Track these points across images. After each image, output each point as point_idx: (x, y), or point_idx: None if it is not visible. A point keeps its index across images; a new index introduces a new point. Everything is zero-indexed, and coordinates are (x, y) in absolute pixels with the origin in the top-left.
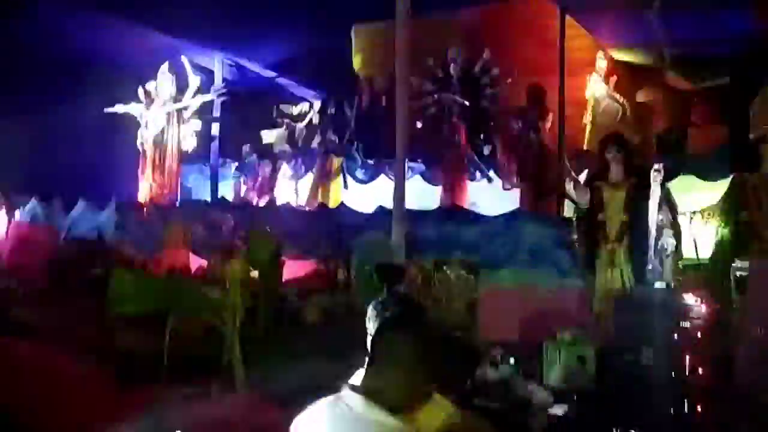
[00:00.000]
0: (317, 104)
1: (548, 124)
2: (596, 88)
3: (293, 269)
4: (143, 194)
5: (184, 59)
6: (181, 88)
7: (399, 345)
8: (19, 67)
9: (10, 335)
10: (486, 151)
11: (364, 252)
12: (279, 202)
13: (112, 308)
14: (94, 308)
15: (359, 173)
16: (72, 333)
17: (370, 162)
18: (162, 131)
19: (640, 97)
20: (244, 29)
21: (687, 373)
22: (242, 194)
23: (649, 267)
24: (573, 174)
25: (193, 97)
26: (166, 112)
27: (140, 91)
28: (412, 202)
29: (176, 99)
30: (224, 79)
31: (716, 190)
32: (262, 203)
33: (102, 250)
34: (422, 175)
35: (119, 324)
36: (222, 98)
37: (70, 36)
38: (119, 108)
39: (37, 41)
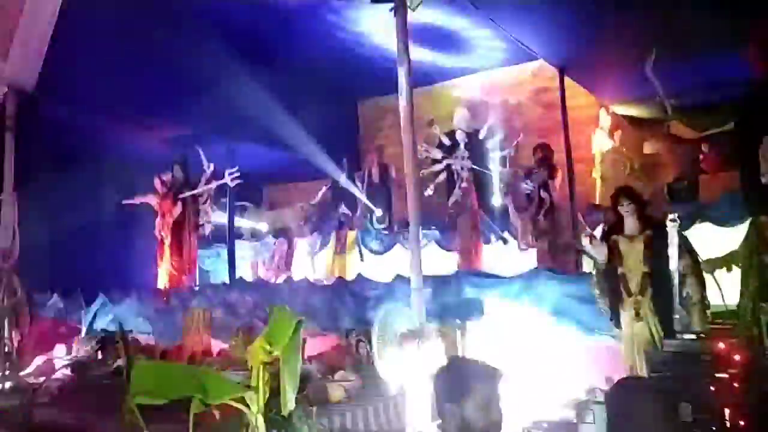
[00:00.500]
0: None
1: (558, 182)
2: (602, 144)
3: (316, 346)
4: (162, 281)
5: (198, 148)
6: (196, 174)
7: None
8: (34, 166)
9: None
10: (499, 214)
11: (385, 323)
12: (296, 278)
13: (134, 400)
14: (116, 402)
15: (374, 244)
16: (94, 429)
17: (385, 233)
18: (178, 218)
19: (647, 148)
20: (253, 113)
21: (728, 426)
22: (260, 274)
23: (676, 317)
24: (588, 229)
25: (207, 183)
26: (182, 199)
27: (156, 181)
28: (429, 269)
29: (191, 186)
30: (237, 163)
31: (733, 235)
32: (279, 281)
33: (122, 341)
34: (437, 242)
35: (142, 416)
36: (236, 182)
37: (84, 131)
38: (136, 199)
39: (50, 138)
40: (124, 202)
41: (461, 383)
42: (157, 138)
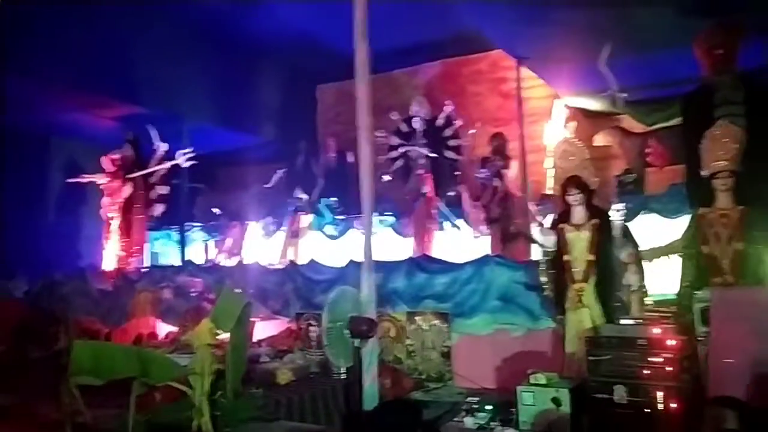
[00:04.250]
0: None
1: (512, 172)
2: (555, 135)
3: (266, 329)
4: (109, 263)
5: (149, 127)
6: (148, 154)
7: None
8: None
9: None
10: (453, 200)
11: (335, 307)
12: (248, 262)
13: (72, 381)
14: (56, 384)
15: (329, 229)
16: (32, 411)
17: (340, 218)
18: (128, 198)
19: (598, 140)
20: (209, 94)
21: (660, 408)
22: (211, 257)
23: (617, 304)
24: (538, 218)
25: (160, 163)
26: (132, 179)
27: (104, 159)
28: (383, 255)
29: (142, 166)
30: (190, 144)
31: (676, 226)
32: (231, 264)
33: (66, 322)
34: (392, 227)
35: (82, 397)
36: (189, 162)
37: (31, 107)
38: (83, 177)
39: None
40: (70, 180)
41: None
42: (108, 116)
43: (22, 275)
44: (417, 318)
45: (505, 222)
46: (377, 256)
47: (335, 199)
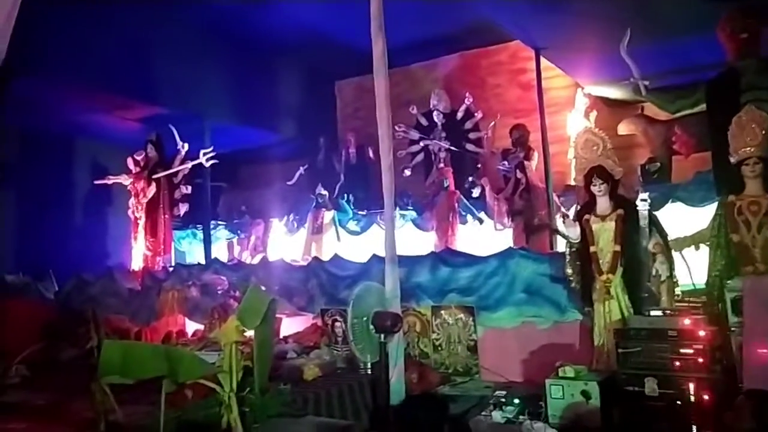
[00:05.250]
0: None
1: (534, 163)
2: (577, 124)
3: (292, 325)
4: (136, 262)
5: (171, 127)
6: (171, 154)
7: None
8: (5, 146)
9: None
10: (475, 193)
11: (360, 303)
12: (272, 259)
13: (103, 380)
14: (88, 383)
15: (351, 225)
16: (65, 409)
17: (362, 213)
18: (153, 198)
19: (622, 129)
20: (228, 92)
21: (692, 400)
22: (236, 254)
23: (645, 295)
24: (562, 209)
25: (182, 162)
26: (156, 179)
27: (129, 160)
28: (405, 250)
29: (166, 166)
30: (212, 143)
31: (704, 215)
32: (255, 261)
33: (96, 322)
34: (414, 222)
35: (114, 396)
36: (211, 162)
37: (57, 110)
38: (109, 179)
39: (22, 117)
40: (97, 182)
41: None
42: (131, 117)
43: (52, 276)
44: (442, 312)
45: (529, 214)
46: (400, 250)
47: (356, 194)
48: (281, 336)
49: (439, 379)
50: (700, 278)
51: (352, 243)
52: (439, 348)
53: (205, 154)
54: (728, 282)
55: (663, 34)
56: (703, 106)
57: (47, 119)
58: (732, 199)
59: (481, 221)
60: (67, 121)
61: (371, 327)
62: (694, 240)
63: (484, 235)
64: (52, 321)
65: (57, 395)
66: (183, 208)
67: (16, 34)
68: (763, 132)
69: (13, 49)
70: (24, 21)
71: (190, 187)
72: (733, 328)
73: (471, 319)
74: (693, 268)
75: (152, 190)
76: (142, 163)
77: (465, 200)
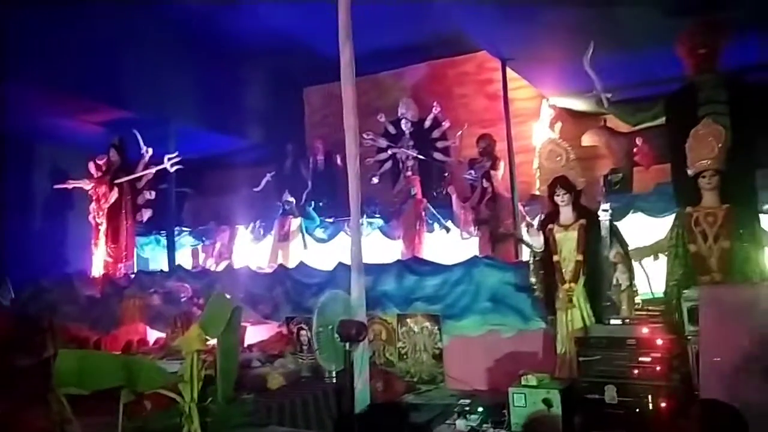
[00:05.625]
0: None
1: (500, 172)
2: (542, 135)
3: (257, 334)
4: (97, 269)
5: (135, 131)
6: (134, 159)
7: None
8: None
9: None
10: (442, 202)
11: (325, 311)
12: (238, 266)
13: (59, 391)
14: (44, 392)
15: (318, 232)
16: (20, 419)
17: (329, 221)
18: (115, 203)
19: (585, 140)
20: (194, 97)
21: (650, 408)
22: (200, 261)
23: (607, 304)
24: (527, 218)
25: (146, 167)
26: (119, 184)
27: (91, 164)
28: (372, 258)
29: (129, 171)
30: (178, 148)
31: (663, 225)
32: (220, 269)
33: (53, 330)
34: (381, 229)
35: (71, 406)
36: (176, 167)
37: (17, 111)
38: (69, 183)
39: None
40: (57, 186)
41: None
42: (94, 120)
43: (8, 282)
44: (408, 320)
45: (494, 223)
46: (367, 258)
47: (324, 202)
48: (246, 344)
49: (405, 388)
50: (659, 287)
51: (319, 251)
52: (405, 356)
53: (169, 159)
54: (685, 291)
55: (625, 47)
56: (662, 119)
57: (6, 121)
58: (689, 210)
59: (448, 230)
60: (27, 123)
61: (336, 335)
62: (654, 250)
63: (450, 244)
64: (8, 329)
65: (12, 404)
66: (146, 214)
67: None
68: (720, 145)
69: None
70: None
71: (154, 193)
72: (689, 337)
73: (436, 327)
74: (652, 278)
75: (114, 195)
76: (104, 168)
77: (431, 209)
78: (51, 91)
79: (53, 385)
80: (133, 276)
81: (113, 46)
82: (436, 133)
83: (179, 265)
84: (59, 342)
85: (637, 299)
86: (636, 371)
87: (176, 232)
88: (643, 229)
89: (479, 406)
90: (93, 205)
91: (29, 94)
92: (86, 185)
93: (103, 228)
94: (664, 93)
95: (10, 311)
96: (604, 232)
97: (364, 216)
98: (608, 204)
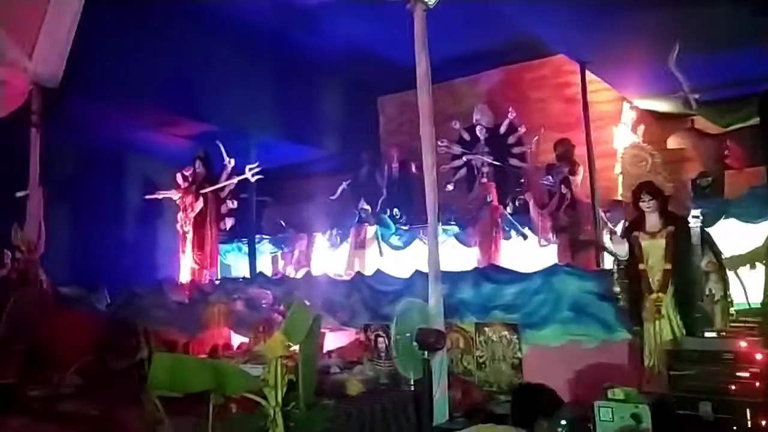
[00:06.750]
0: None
1: (579, 178)
2: (624, 139)
3: (335, 340)
4: (184, 275)
5: (218, 143)
6: (218, 170)
7: None
8: (59, 162)
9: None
10: (519, 209)
11: (403, 319)
12: (316, 273)
13: (152, 393)
14: (138, 393)
15: (394, 240)
16: (117, 419)
17: (404, 228)
18: (200, 212)
19: (671, 143)
20: (273, 108)
21: (750, 426)
22: (280, 268)
23: (698, 315)
24: (609, 225)
25: (229, 178)
26: (204, 194)
27: (178, 176)
28: (448, 265)
29: (213, 181)
30: (258, 159)
31: (759, 231)
32: (299, 276)
33: (145, 334)
34: (457, 237)
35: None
36: (256, 177)
37: (109, 127)
38: (158, 194)
39: (75, 134)
40: (147, 197)
41: None
42: (180, 134)
43: (104, 288)
44: (486, 329)
45: (574, 230)
46: (443, 266)
47: (399, 209)
48: (325, 350)
49: (483, 397)
50: (756, 298)
51: (395, 258)
52: (483, 365)
53: (250, 169)
54: None
55: (712, 46)
56: (755, 120)
57: (99, 136)
58: None
59: (525, 236)
60: (117, 138)
61: (415, 343)
62: (750, 258)
63: (528, 251)
64: (104, 332)
65: (108, 405)
66: (229, 222)
67: (69, 54)
68: None
69: (67, 69)
70: (76, 41)
71: (236, 202)
72: None
73: (515, 336)
74: (748, 288)
75: (200, 204)
76: (190, 179)
77: (508, 215)
78: (139, 106)
79: (147, 386)
80: (217, 282)
81: (196, 63)
82: (511, 139)
83: (261, 272)
84: (152, 345)
85: (732, 310)
86: (733, 387)
87: (257, 240)
88: (737, 235)
89: (562, 419)
90: (180, 215)
91: (119, 109)
92: (174, 195)
93: (189, 236)
94: (755, 92)
95: (105, 316)
96: (695, 239)
97: (440, 223)
98: (698, 210)
